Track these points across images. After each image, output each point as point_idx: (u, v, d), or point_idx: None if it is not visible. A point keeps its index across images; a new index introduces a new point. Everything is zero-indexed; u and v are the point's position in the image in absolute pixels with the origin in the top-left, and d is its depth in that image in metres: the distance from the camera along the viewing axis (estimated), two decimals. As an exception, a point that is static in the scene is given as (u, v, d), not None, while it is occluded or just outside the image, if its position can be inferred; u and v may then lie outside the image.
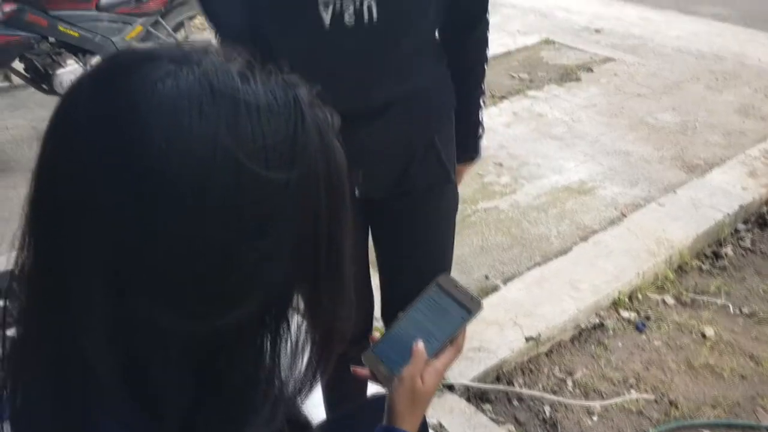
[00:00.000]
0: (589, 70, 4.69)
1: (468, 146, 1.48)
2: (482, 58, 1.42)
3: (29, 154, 3.42)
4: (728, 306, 2.60)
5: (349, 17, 1.07)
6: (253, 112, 0.53)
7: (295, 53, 1.16)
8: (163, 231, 0.52)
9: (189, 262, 0.53)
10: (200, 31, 4.40)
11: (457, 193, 1.47)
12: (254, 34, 1.15)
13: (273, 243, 0.55)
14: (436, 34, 1.30)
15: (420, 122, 1.34)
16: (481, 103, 1.45)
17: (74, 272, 0.53)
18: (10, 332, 0.59)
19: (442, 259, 1.49)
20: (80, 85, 0.56)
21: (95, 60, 3.42)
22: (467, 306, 0.92)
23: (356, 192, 1.34)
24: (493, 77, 4.39)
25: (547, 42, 5.15)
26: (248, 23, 1.15)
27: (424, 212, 1.42)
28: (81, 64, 3.40)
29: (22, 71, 3.42)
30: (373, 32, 1.10)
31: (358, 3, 1.07)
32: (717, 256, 2.88)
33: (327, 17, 1.07)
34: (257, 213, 0.54)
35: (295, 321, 0.62)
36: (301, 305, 0.62)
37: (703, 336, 2.45)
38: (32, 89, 3.60)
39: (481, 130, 1.49)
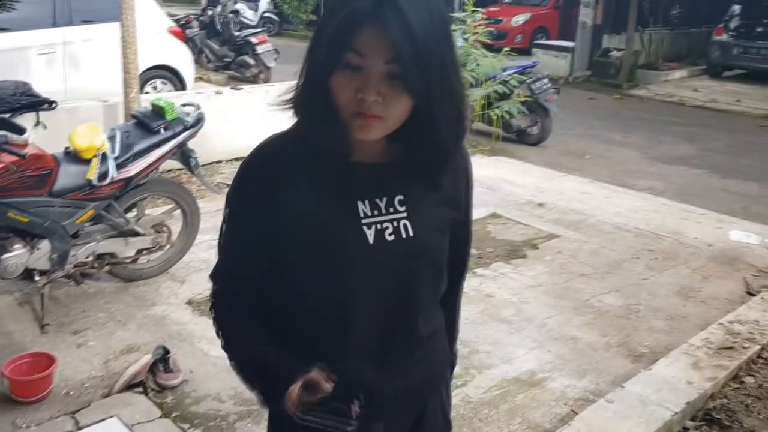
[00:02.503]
0: (535, 246, 4.84)
1: None
2: (458, 316, 1.53)
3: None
4: None
5: (389, 235, 1.24)
6: None
7: (341, 270, 1.25)
8: None
9: None
10: (151, 209, 4.43)
11: None
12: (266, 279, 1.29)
13: None
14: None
15: (435, 368, 1.41)
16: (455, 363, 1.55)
17: None
18: None
19: None
20: None
21: (43, 244, 3.39)
22: None
23: None
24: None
25: (494, 216, 5.34)
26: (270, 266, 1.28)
27: None
28: (28, 248, 3.35)
29: (-34, 254, 3.36)
30: (411, 244, 1.26)
31: (395, 222, 1.25)
32: (668, 458, 2.86)
33: (371, 236, 1.23)
34: None
35: None
36: None
37: None
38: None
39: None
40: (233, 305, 1.33)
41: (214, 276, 1.36)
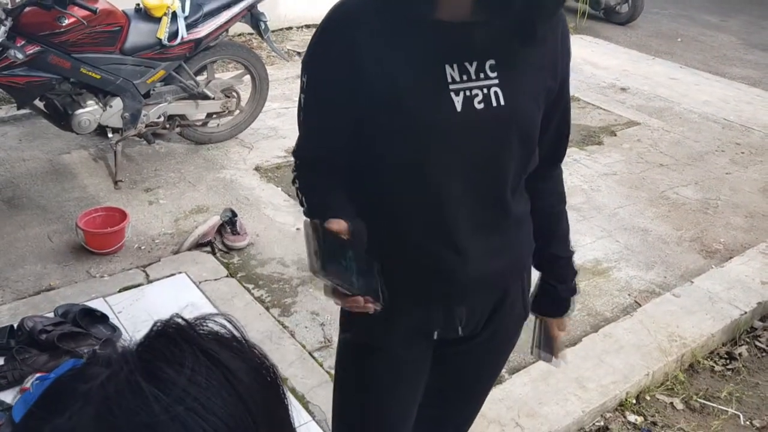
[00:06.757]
0: (613, 133, 4.63)
1: (561, 300, 1.46)
2: (563, 198, 1.45)
3: (43, 191, 3.41)
4: (739, 416, 2.52)
5: (478, 102, 1.14)
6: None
7: (425, 140, 1.16)
8: None
9: None
10: (221, 73, 4.39)
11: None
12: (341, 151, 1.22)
13: None
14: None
15: (520, 253, 1.35)
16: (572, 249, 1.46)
17: None
18: None
19: (488, 390, 1.53)
20: None
21: (115, 101, 3.41)
22: None
23: (435, 334, 1.32)
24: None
25: (573, 99, 5.06)
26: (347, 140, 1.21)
27: (493, 354, 1.43)
28: (101, 105, 3.38)
29: (42, 107, 3.42)
30: (501, 114, 1.16)
31: (485, 89, 1.14)
32: (731, 356, 2.80)
33: (459, 103, 1.13)
34: None
35: None
36: None
37: (711, 449, 2.37)
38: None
39: (574, 282, 1.47)
40: (317, 175, 1.25)
41: (296, 152, 1.28)
